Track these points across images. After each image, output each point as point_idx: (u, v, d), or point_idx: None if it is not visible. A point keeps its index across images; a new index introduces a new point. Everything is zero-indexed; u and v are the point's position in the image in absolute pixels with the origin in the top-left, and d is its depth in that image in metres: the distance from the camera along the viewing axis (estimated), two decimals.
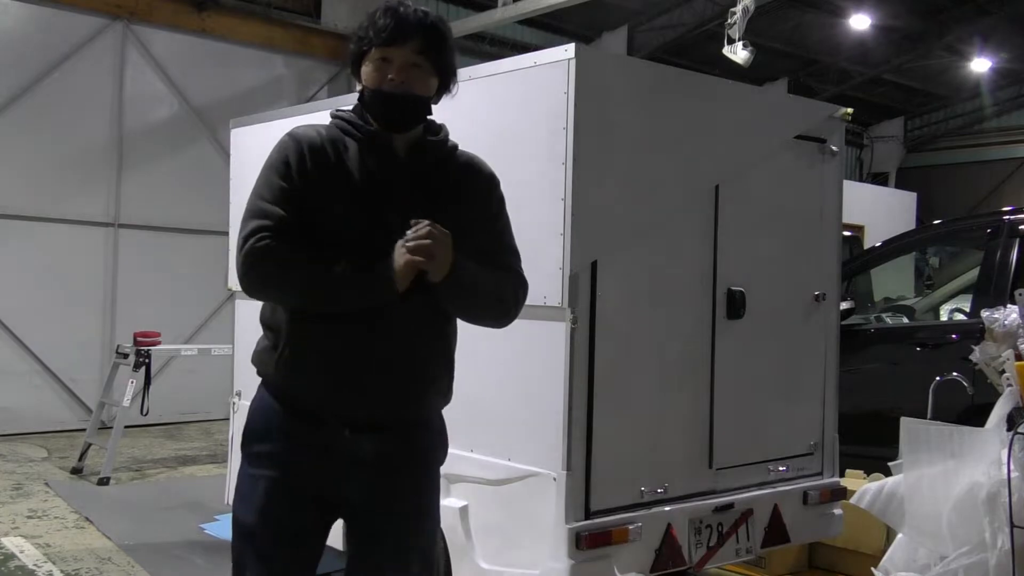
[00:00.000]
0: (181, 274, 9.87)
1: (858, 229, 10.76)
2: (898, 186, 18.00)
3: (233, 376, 5.23)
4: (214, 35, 10.48)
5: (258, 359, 2.46)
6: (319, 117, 4.87)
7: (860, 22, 14.81)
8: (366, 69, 2.43)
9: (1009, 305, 3.74)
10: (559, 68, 3.50)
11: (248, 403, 2.51)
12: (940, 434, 3.65)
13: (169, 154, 10.18)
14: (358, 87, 2.50)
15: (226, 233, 5.03)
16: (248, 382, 3.03)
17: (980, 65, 17.16)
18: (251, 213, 2.35)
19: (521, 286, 2.52)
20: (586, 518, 3.50)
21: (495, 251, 2.48)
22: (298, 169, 2.36)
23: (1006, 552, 3.35)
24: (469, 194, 2.49)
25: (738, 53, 10.52)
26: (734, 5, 10.40)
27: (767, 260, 4.16)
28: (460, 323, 2.53)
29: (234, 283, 2.64)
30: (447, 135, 2.53)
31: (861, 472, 5.14)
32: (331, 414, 2.37)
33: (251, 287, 2.34)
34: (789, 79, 17.29)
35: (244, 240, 2.31)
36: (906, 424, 3.78)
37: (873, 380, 5.95)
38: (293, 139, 2.42)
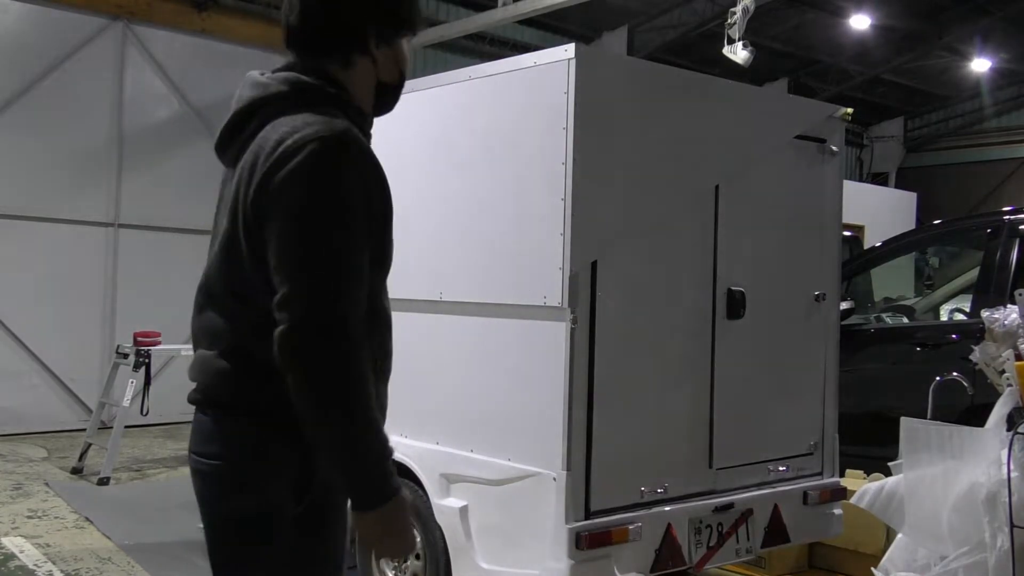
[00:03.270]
0: (181, 274, 9.83)
1: (858, 229, 10.74)
2: (898, 186, 17.99)
3: None
4: (214, 35, 10.48)
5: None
6: None
7: (860, 22, 14.81)
8: (389, 55, 2.10)
9: (1009, 305, 3.74)
10: (559, 68, 3.50)
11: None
12: (940, 434, 3.65)
13: (169, 154, 10.18)
14: (358, 75, 2.09)
15: None
16: None
17: (980, 65, 17.16)
18: (342, 278, 1.87)
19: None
20: (586, 518, 3.50)
21: None
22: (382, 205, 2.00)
23: (1006, 552, 3.34)
24: None
25: (738, 53, 10.52)
26: (734, 5, 10.40)
27: (767, 260, 4.16)
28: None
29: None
30: None
31: (861, 472, 5.14)
32: None
33: (325, 375, 1.83)
34: (789, 79, 17.29)
35: (336, 317, 1.84)
36: (906, 424, 3.78)
37: (873, 380, 5.94)
38: (373, 162, 1.97)
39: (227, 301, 2.02)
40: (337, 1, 2.06)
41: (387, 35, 2.10)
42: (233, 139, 2.07)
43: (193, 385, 2.12)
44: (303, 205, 1.87)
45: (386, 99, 2.17)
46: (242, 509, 1.98)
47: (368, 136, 2.08)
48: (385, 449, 1.89)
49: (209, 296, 2.07)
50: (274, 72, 2.09)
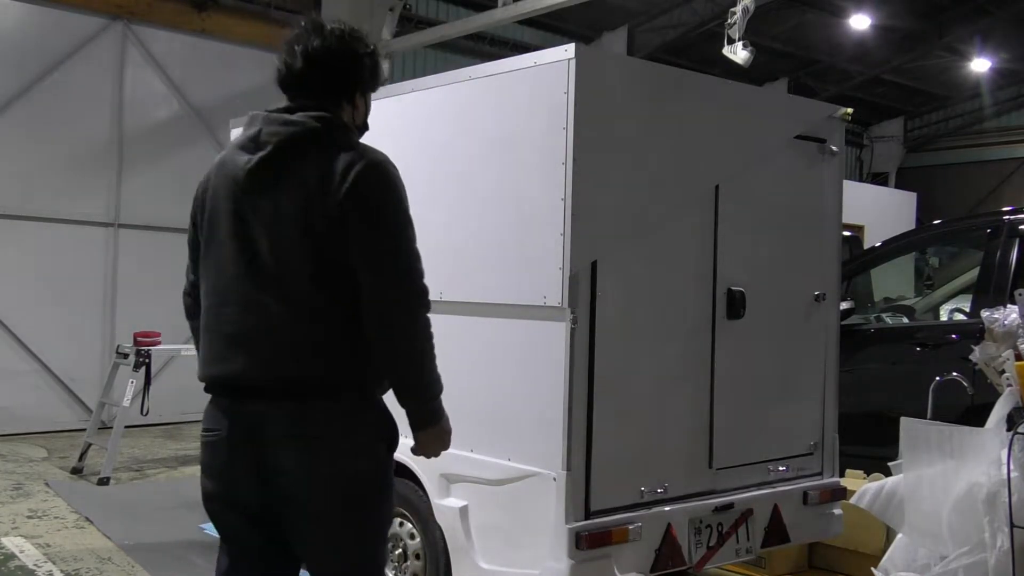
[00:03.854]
0: (181, 274, 9.84)
1: (858, 229, 10.76)
2: (898, 186, 18.02)
3: None
4: (214, 35, 10.48)
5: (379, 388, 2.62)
6: None
7: (860, 22, 14.82)
8: (362, 105, 2.74)
9: (1009, 305, 3.74)
10: (559, 68, 3.50)
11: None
12: (940, 434, 3.65)
13: (169, 154, 10.18)
14: (350, 116, 2.69)
15: None
16: None
17: (980, 65, 17.17)
18: (418, 259, 2.58)
19: None
20: (586, 518, 3.50)
21: None
22: None
23: (1006, 552, 3.35)
24: None
25: (738, 53, 10.50)
26: (734, 5, 10.39)
27: (767, 260, 4.16)
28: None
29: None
30: None
31: (861, 472, 5.14)
32: None
33: (417, 331, 2.54)
34: (789, 79, 17.30)
35: (423, 287, 2.58)
36: (906, 424, 3.79)
37: (873, 380, 5.94)
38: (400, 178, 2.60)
39: (311, 299, 2.49)
40: (341, 59, 2.63)
41: (365, 89, 2.71)
42: (267, 169, 2.53)
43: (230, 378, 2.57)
44: (384, 212, 2.51)
45: (362, 133, 2.76)
46: (359, 466, 2.53)
47: None
48: (441, 382, 2.61)
49: (285, 297, 2.49)
50: (291, 112, 2.58)
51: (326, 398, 2.49)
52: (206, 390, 2.64)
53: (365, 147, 2.57)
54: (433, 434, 2.62)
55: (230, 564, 2.67)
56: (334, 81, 2.63)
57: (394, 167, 2.56)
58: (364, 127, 2.76)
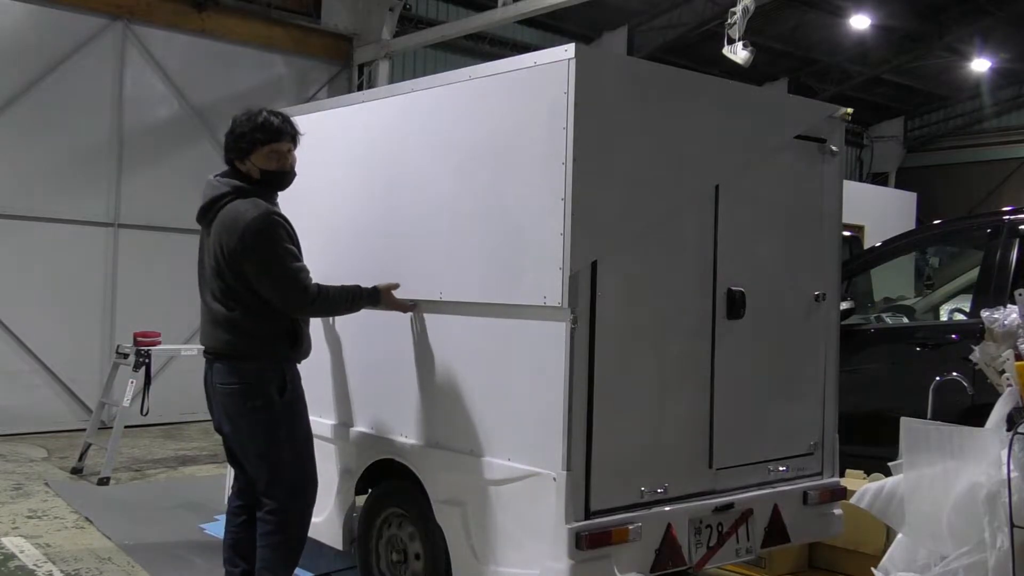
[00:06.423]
0: (181, 274, 9.81)
1: (858, 229, 10.76)
2: (898, 186, 18.02)
3: None
4: (214, 35, 10.49)
5: (282, 351, 3.97)
6: (319, 116, 4.84)
7: (860, 22, 14.83)
8: (262, 158, 3.93)
9: (1009, 305, 3.74)
10: (559, 68, 3.50)
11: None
12: (940, 434, 3.65)
13: (169, 154, 10.18)
14: (250, 167, 3.96)
15: None
16: None
17: (980, 65, 17.18)
18: (298, 274, 3.83)
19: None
20: (586, 518, 3.50)
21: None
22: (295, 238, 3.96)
23: (1006, 552, 3.35)
24: None
25: (738, 53, 10.50)
26: (734, 5, 10.39)
27: (767, 260, 4.16)
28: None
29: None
30: None
31: (861, 472, 5.14)
32: None
33: (315, 309, 4.00)
34: (789, 79, 17.31)
35: (304, 287, 3.83)
36: (906, 424, 3.78)
37: (873, 380, 5.94)
38: (283, 219, 3.91)
39: (227, 304, 3.90)
40: (227, 137, 4.00)
41: (250, 148, 3.95)
42: (206, 214, 3.96)
43: (202, 347, 4.10)
44: (263, 251, 3.82)
45: (276, 179, 4.03)
46: (256, 404, 3.89)
47: (274, 199, 4.03)
48: (349, 296, 4.01)
49: (218, 302, 3.91)
50: (221, 178, 3.99)
51: (234, 360, 3.89)
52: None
53: (255, 202, 3.84)
54: (384, 305, 4.07)
55: (229, 462, 4.30)
56: (226, 152, 4.00)
57: (273, 215, 3.84)
58: (271, 173, 3.96)
